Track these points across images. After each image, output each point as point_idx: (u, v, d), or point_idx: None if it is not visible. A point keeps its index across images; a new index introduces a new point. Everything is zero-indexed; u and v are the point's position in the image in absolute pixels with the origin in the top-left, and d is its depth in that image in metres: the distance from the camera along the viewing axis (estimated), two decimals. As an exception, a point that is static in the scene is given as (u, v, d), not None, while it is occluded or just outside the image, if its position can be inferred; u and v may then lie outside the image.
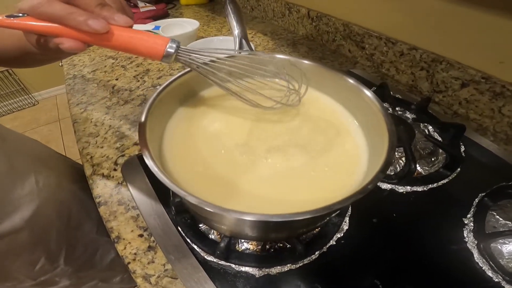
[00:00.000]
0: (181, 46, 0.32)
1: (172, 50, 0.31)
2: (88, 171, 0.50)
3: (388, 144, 0.27)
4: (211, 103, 0.43)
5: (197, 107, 0.43)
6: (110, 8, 0.29)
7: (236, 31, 0.43)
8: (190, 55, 0.33)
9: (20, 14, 0.28)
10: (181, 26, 0.85)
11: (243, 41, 0.42)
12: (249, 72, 0.36)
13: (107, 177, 0.48)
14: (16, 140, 0.55)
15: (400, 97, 0.60)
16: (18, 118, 2.23)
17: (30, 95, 2.31)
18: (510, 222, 0.39)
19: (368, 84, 0.65)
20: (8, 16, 0.28)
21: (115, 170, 0.49)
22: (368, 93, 0.36)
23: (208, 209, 0.21)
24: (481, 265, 0.36)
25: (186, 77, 0.40)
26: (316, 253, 0.37)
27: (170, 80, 0.38)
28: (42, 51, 0.32)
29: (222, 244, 0.36)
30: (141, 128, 0.31)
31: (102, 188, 0.47)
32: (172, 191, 0.29)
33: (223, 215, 0.22)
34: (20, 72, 2.16)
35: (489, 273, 0.35)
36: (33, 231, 0.51)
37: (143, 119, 0.32)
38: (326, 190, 0.32)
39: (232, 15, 0.45)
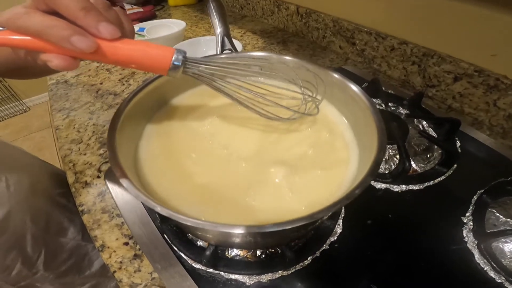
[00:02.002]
0: (188, 56, 0.28)
1: (179, 62, 0.27)
2: (70, 178, 0.48)
3: (377, 144, 0.25)
4: (187, 112, 0.41)
5: (171, 118, 0.40)
6: (97, 14, 0.25)
7: (219, 29, 0.42)
8: (199, 67, 0.29)
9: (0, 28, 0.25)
10: (168, 27, 0.83)
11: (225, 39, 0.40)
12: (263, 80, 0.33)
13: (90, 184, 0.47)
14: None
15: (392, 92, 0.59)
16: (10, 126, 2.20)
17: (20, 102, 2.28)
18: (511, 220, 0.37)
19: (360, 80, 0.64)
20: None
21: (98, 177, 0.48)
22: (354, 88, 0.34)
23: (180, 221, 0.20)
24: (482, 266, 0.34)
25: (153, 85, 0.37)
26: (309, 258, 0.36)
27: (135, 91, 0.35)
28: (33, 66, 0.29)
29: (207, 253, 0.34)
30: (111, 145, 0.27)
31: (85, 196, 0.45)
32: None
33: (198, 228, 0.20)
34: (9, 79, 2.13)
35: (491, 273, 0.33)
36: (4, 236, 0.50)
37: (111, 141, 0.28)
38: (319, 194, 0.31)
39: (214, 14, 0.43)
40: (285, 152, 0.35)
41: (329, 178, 0.32)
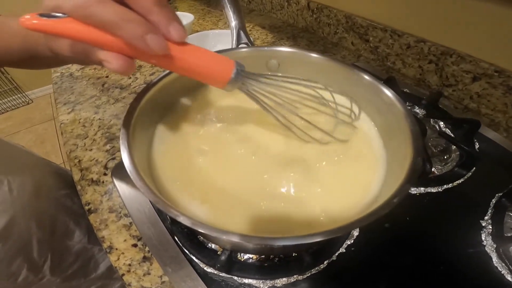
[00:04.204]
0: (246, 72, 0.26)
1: (238, 78, 0.25)
2: (76, 176, 0.46)
3: (412, 149, 0.23)
4: (203, 109, 0.39)
5: (186, 116, 0.38)
6: (169, 11, 0.22)
7: (234, 22, 0.40)
8: (254, 86, 0.27)
9: (59, 14, 0.21)
10: (175, 19, 0.81)
11: (241, 32, 0.38)
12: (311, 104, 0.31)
13: (97, 182, 0.45)
14: None
15: (408, 91, 0.57)
16: (12, 118, 2.18)
17: (23, 94, 2.26)
18: (528, 224, 0.36)
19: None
20: (42, 15, 0.21)
21: (105, 174, 0.46)
22: (387, 91, 0.32)
23: (203, 231, 0.18)
24: (500, 269, 0.34)
25: (165, 81, 0.34)
26: (325, 262, 0.35)
27: (145, 88, 0.32)
28: (72, 59, 0.25)
29: (223, 257, 0.33)
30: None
31: (92, 195, 0.44)
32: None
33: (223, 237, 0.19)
34: (12, 71, 2.10)
35: (509, 277, 0.33)
36: (9, 242, 0.48)
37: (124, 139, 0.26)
38: (343, 200, 0.29)
39: (228, 6, 0.41)
40: (306, 154, 0.33)
41: (354, 183, 0.30)
